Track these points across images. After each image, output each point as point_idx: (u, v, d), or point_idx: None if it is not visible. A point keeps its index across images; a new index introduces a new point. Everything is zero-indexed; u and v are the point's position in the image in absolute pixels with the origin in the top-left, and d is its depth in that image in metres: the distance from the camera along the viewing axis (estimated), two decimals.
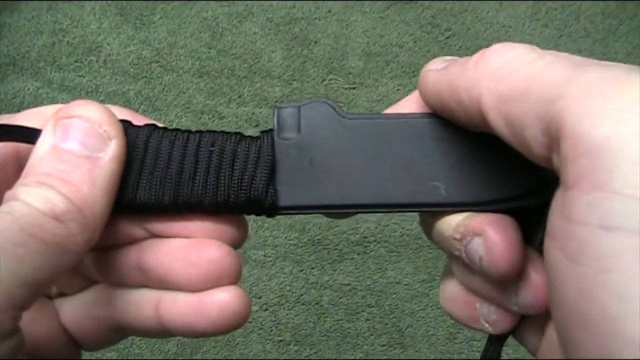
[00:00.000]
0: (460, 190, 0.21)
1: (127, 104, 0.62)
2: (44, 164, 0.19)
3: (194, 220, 0.22)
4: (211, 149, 0.21)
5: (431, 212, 0.22)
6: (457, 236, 0.21)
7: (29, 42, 0.64)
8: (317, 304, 0.58)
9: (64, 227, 0.18)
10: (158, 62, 0.65)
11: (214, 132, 0.22)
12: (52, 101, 0.62)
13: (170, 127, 0.22)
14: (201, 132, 0.22)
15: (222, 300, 0.21)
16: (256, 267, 0.58)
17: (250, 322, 0.57)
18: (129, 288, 0.23)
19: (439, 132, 0.22)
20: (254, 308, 0.57)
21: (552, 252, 0.17)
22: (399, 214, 0.59)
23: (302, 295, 0.58)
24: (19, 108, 0.61)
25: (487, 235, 0.20)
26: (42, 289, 0.18)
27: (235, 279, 0.22)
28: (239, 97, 0.64)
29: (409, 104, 0.23)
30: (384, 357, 0.57)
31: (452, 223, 0.21)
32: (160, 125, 0.22)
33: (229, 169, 0.21)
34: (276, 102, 0.64)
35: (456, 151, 0.22)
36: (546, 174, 0.20)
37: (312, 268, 0.59)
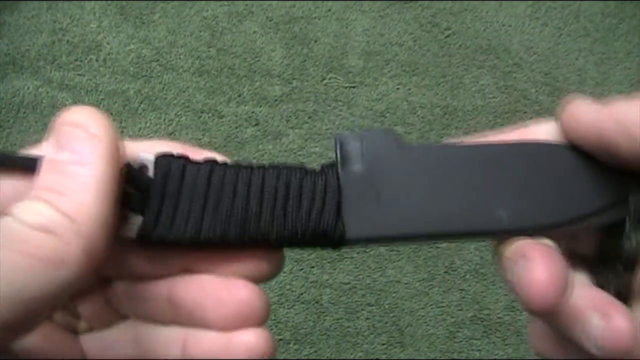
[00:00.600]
0: (523, 217, 0.22)
1: (126, 103, 0.62)
2: (41, 179, 0.19)
3: (228, 256, 0.22)
4: (277, 183, 0.21)
5: (495, 238, 0.22)
6: (510, 257, 0.21)
7: (28, 41, 0.64)
8: (317, 302, 0.58)
9: (55, 238, 0.18)
10: (158, 61, 0.65)
11: (277, 166, 0.22)
12: (52, 100, 0.62)
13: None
14: (264, 166, 0.22)
15: (250, 342, 0.21)
16: None
17: None
18: (158, 325, 0.22)
19: (503, 159, 0.22)
20: None
21: None
22: None
23: (302, 294, 0.58)
24: (19, 107, 0.61)
25: (532, 256, 0.20)
26: (44, 308, 0.18)
27: (262, 321, 0.22)
28: (239, 95, 0.64)
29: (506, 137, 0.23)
30: (384, 356, 0.57)
31: (511, 244, 0.22)
32: (219, 159, 0.22)
33: (296, 203, 0.21)
34: (276, 100, 0.64)
35: (519, 178, 0.22)
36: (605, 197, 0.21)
37: (312, 267, 0.59)
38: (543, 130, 0.23)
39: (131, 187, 0.21)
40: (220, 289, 0.21)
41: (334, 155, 0.22)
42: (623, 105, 0.20)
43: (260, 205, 0.21)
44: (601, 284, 0.22)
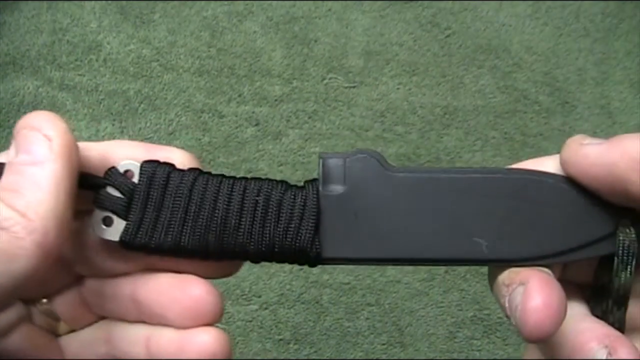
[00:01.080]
0: (504, 247, 0.22)
1: (127, 103, 0.62)
2: (1, 182, 0.20)
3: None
4: (257, 197, 0.22)
5: (475, 265, 0.22)
6: (507, 282, 0.21)
7: (29, 41, 0.64)
8: (317, 302, 0.58)
9: (8, 234, 0.19)
10: (158, 60, 0.65)
11: (259, 179, 0.22)
12: (52, 100, 0.62)
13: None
14: (246, 179, 0.22)
15: (202, 342, 0.22)
16: (256, 266, 0.58)
17: (250, 321, 0.57)
18: (127, 323, 0.23)
19: (486, 190, 0.22)
20: (254, 307, 0.57)
21: None
22: None
23: (302, 294, 0.58)
24: (19, 107, 0.61)
25: (530, 283, 0.20)
26: (1, 297, 0.19)
27: (215, 318, 0.22)
28: (239, 95, 0.64)
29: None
30: (384, 356, 0.57)
31: (507, 270, 0.22)
32: (203, 170, 0.22)
33: (274, 218, 0.21)
34: (276, 100, 0.64)
35: (501, 208, 0.22)
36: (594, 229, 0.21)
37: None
38: (548, 166, 0.23)
39: (116, 191, 0.21)
40: (174, 287, 0.22)
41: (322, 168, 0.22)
42: (634, 141, 0.20)
43: (240, 218, 0.21)
44: (598, 315, 0.22)
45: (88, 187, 0.21)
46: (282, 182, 0.22)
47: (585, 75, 0.67)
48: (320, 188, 0.22)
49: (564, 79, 0.67)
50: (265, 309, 0.57)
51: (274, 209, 0.22)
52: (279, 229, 0.21)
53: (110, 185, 0.21)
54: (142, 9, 0.66)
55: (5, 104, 0.62)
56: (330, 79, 0.65)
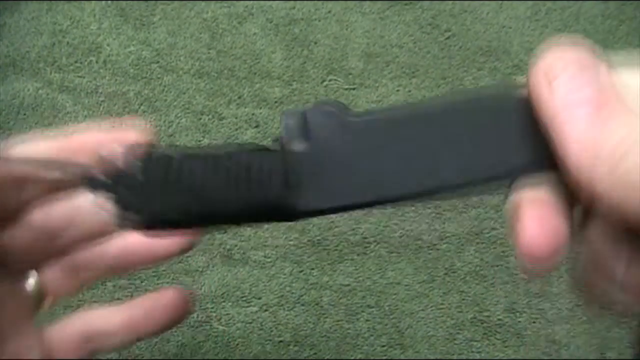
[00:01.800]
0: (471, 171, 0.22)
1: (127, 105, 0.62)
2: None
3: None
4: (228, 163, 0.23)
5: (445, 197, 0.23)
6: (508, 210, 0.21)
7: (28, 43, 0.64)
8: (316, 304, 0.58)
9: None
10: (158, 62, 0.65)
11: (228, 145, 0.23)
12: (52, 102, 0.62)
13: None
14: (216, 148, 0.23)
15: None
16: (256, 267, 0.59)
17: (250, 323, 0.57)
18: None
19: (446, 117, 0.22)
20: (254, 309, 0.57)
21: None
22: (399, 214, 0.59)
23: (301, 296, 0.58)
24: (19, 109, 0.61)
25: (520, 212, 0.20)
26: None
27: None
28: (239, 97, 0.64)
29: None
30: (384, 358, 0.57)
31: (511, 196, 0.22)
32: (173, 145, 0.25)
33: (245, 180, 0.23)
34: (276, 102, 0.64)
35: (465, 134, 0.22)
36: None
37: (312, 269, 0.59)
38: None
39: (104, 176, 0.23)
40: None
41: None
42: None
43: (214, 185, 0.23)
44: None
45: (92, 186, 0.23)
46: (250, 144, 0.24)
47: None
48: (285, 145, 0.23)
49: None
50: (265, 310, 0.57)
51: (243, 172, 0.23)
52: (251, 190, 0.23)
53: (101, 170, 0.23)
54: (142, 10, 0.66)
55: (5, 105, 0.62)
56: (330, 80, 0.65)
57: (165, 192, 0.23)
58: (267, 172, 0.23)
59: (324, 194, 0.22)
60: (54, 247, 0.26)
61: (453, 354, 0.57)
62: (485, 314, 0.58)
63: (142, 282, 0.57)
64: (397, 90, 0.65)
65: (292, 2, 0.68)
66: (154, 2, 0.67)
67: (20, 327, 0.26)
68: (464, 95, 0.23)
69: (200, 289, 0.57)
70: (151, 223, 0.23)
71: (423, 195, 0.22)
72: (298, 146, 0.23)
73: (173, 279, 0.57)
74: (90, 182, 0.23)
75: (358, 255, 0.59)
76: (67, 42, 0.65)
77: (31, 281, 0.27)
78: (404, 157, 0.22)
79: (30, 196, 0.25)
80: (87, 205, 0.25)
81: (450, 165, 0.22)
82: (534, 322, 0.58)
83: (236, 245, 0.59)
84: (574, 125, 0.19)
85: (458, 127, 0.22)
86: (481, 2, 0.69)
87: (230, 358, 0.56)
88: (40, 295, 0.27)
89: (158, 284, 0.57)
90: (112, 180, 0.23)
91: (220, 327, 0.57)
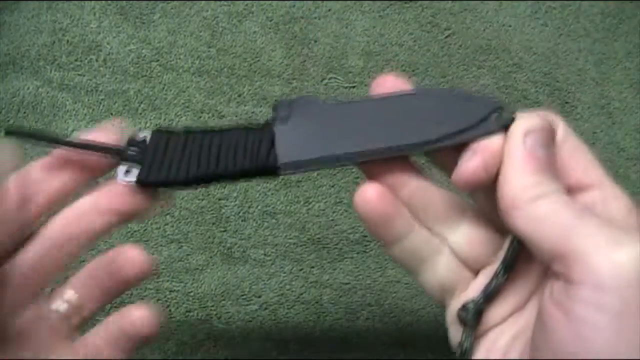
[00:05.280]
0: (419, 134, 0.30)
1: (127, 103, 0.62)
2: None
3: None
4: (230, 138, 0.31)
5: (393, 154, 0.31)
6: None
7: (28, 41, 0.64)
8: (316, 303, 0.58)
9: None
10: (158, 61, 0.65)
11: (230, 126, 0.32)
12: (52, 100, 0.62)
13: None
14: (221, 127, 0.32)
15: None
16: (256, 266, 0.59)
17: (250, 322, 0.57)
18: None
19: (398, 101, 0.31)
20: (254, 307, 0.57)
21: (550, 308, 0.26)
22: None
23: (301, 294, 0.58)
24: (19, 107, 0.61)
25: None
26: None
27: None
28: (239, 96, 0.64)
29: None
30: (384, 356, 0.57)
31: None
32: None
33: (242, 148, 0.31)
34: (276, 100, 0.64)
35: (412, 110, 0.31)
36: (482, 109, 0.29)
37: (312, 267, 0.59)
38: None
39: (134, 150, 0.31)
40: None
41: None
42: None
43: (218, 153, 0.31)
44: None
45: (114, 154, 0.31)
46: (249, 124, 0.32)
47: (585, 75, 0.67)
48: (276, 122, 0.31)
49: (564, 79, 0.67)
50: (265, 309, 0.57)
51: (242, 141, 0.31)
52: (247, 153, 0.30)
53: (130, 146, 0.31)
54: (142, 9, 0.66)
55: (5, 104, 0.62)
56: (330, 79, 0.65)
57: (179, 160, 0.31)
58: (256, 140, 0.31)
59: (298, 152, 0.30)
60: (65, 256, 0.31)
61: (453, 353, 0.57)
62: None
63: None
64: None
65: (292, 0, 0.68)
66: (154, 0, 0.67)
67: (58, 349, 0.30)
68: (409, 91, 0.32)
69: (200, 287, 0.57)
70: (164, 183, 0.30)
71: (366, 154, 0.30)
72: (286, 118, 0.31)
73: (173, 277, 0.57)
74: (122, 154, 0.31)
75: (358, 253, 0.60)
76: (67, 41, 0.65)
77: (58, 302, 0.31)
78: (357, 127, 0.30)
79: (36, 209, 0.30)
80: (88, 207, 0.31)
81: (387, 132, 0.30)
82: None
83: (236, 244, 0.59)
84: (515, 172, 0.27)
85: (406, 107, 0.31)
86: (481, 0, 0.69)
87: (230, 356, 0.56)
88: (69, 313, 0.31)
89: (158, 282, 0.57)
90: (137, 152, 0.31)
91: (220, 326, 0.57)
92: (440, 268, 0.32)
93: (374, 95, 0.32)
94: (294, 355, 0.57)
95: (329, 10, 0.68)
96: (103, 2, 0.66)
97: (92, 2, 0.66)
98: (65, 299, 0.31)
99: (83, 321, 0.32)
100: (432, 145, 0.30)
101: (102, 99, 0.63)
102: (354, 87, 0.65)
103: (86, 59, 0.64)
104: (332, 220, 0.60)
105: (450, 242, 0.32)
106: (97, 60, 0.64)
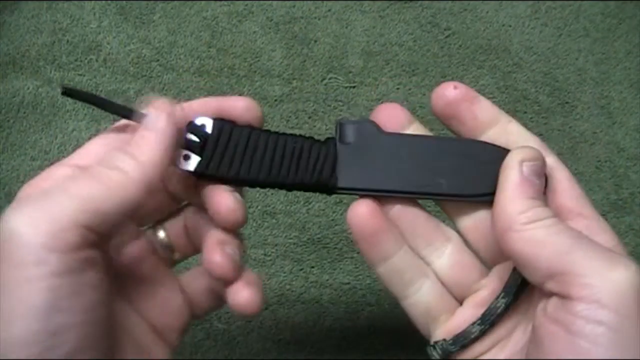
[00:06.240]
0: (456, 187, 0.32)
1: (126, 103, 0.62)
2: (130, 138, 0.30)
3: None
4: (294, 145, 0.32)
5: (436, 199, 0.34)
6: None
7: (28, 41, 0.64)
8: (317, 302, 0.58)
9: (123, 174, 0.27)
10: (158, 61, 0.65)
11: (294, 134, 0.33)
12: (52, 100, 0.62)
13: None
14: (286, 133, 0.32)
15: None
16: (256, 265, 0.59)
17: (250, 322, 0.57)
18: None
19: (447, 148, 0.33)
20: None
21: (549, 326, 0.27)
22: None
23: (301, 294, 0.58)
24: (19, 107, 0.61)
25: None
26: (115, 216, 0.26)
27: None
28: (239, 95, 0.64)
29: None
30: (384, 356, 0.57)
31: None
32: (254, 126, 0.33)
33: (306, 159, 0.32)
34: (276, 100, 0.64)
35: (457, 162, 0.32)
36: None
37: (312, 267, 0.59)
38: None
39: (195, 137, 0.31)
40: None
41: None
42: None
43: (281, 160, 0.31)
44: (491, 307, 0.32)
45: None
46: (311, 137, 0.33)
47: (585, 75, 0.67)
48: (338, 141, 0.32)
49: (564, 79, 0.67)
50: (265, 309, 0.57)
51: (306, 154, 0.32)
52: (309, 167, 0.32)
53: (191, 133, 0.31)
54: (142, 9, 0.66)
55: (5, 104, 0.62)
56: (330, 79, 0.65)
57: (241, 158, 0.31)
58: (322, 157, 0.32)
59: (356, 179, 0.32)
60: (171, 204, 0.34)
61: None
62: None
63: None
64: (397, 89, 0.65)
65: (292, 0, 0.68)
66: (154, 0, 0.67)
67: (163, 278, 0.33)
68: (458, 138, 0.34)
69: None
70: (223, 179, 0.31)
71: (425, 195, 0.32)
72: (348, 141, 0.32)
73: None
74: (186, 142, 0.31)
75: (358, 253, 0.59)
76: (67, 41, 0.65)
77: (161, 234, 0.34)
78: (416, 165, 0.32)
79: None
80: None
81: (444, 179, 0.32)
82: None
83: None
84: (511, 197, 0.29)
85: (451, 155, 0.32)
86: (481, 0, 0.69)
87: (230, 357, 0.56)
88: (170, 248, 0.35)
89: None
90: (200, 140, 0.31)
91: (220, 326, 0.57)
92: (426, 292, 0.34)
93: (433, 136, 0.34)
94: (293, 355, 0.57)
95: (329, 10, 0.68)
96: (103, 2, 0.66)
97: (92, 2, 0.66)
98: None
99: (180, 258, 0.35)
100: (466, 198, 0.32)
101: None
102: (354, 87, 0.65)
103: (86, 59, 0.64)
104: (332, 220, 0.60)
105: (434, 266, 0.34)
106: (97, 60, 0.64)
